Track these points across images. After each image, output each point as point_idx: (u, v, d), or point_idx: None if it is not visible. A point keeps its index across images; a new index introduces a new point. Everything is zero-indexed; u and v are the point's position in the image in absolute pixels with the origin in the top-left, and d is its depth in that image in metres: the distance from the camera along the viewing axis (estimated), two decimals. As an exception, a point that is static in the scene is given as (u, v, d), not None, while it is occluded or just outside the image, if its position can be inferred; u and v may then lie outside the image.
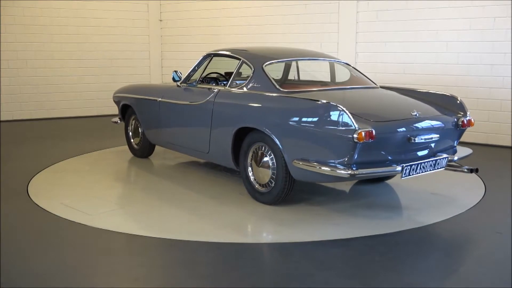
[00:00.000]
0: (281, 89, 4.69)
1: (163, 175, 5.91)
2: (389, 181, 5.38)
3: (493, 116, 7.49)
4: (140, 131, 6.46)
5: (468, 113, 4.81)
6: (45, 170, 5.93)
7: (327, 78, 5.51)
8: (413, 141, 4.25)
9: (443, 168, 4.50)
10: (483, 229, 4.21)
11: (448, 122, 4.62)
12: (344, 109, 3.99)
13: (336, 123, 4.01)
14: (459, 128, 4.71)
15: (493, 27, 7.33)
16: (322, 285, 3.17)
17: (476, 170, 4.59)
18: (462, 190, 5.20)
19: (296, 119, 4.32)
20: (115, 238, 3.97)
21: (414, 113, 4.40)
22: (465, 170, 4.60)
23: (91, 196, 4.98)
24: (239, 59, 5.19)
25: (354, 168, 4.00)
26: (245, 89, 4.94)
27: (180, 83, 5.77)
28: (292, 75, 5.79)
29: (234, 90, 5.05)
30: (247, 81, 4.97)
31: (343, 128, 3.96)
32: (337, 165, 4.04)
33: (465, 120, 4.71)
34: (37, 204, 4.68)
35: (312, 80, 5.73)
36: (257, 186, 4.73)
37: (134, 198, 5.02)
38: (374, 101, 4.86)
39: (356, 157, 4.02)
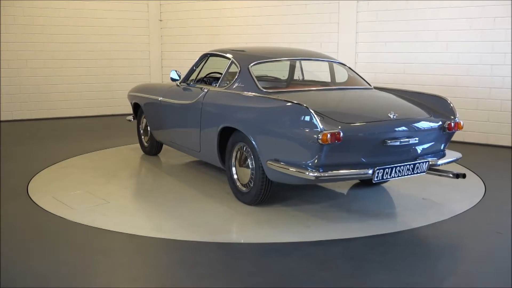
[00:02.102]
0: (263, 90, 4.69)
1: (162, 172, 5.93)
2: (385, 185, 5.33)
3: (493, 116, 7.48)
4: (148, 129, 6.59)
5: (457, 116, 4.60)
6: (45, 170, 5.92)
7: (328, 78, 5.50)
8: (388, 143, 4.10)
9: (424, 173, 4.33)
10: (483, 229, 4.21)
11: (430, 125, 4.43)
12: (310, 110, 3.94)
13: (302, 124, 3.97)
14: (446, 132, 4.49)
15: (493, 27, 7.33)
16: (322, 285, 3.17)
17: (463, 176, 4.37)
18: (462, 190, 5.19)
19: (268, 119, 4.34)
20: (115, 238, 3.97)
21: (391, 115, 4.26)
22: (450, 175, 4.41)
23: (85, 192, 5.04)
24: (229, 59, 5.23)
25: (321, 170, 3.92)
26: (230, 89, 4.97)
27: (180, 83, 5.85)
28: (297, 75, 5.80)
29: (221, 90, 5.10)
30: (233, 81, 5.01)
31: (309, 129, 3.90)
32: (305, 166, 3.97)
33: (452, 123, 4.49)
34: (37, 204, 4.69)
35: (314, 80, 5.71)
36: (239, 185, 4.74)
37: (120, 194, 5.07)
38: (355, 102, 4.78)
39: (324, 159, 3.93)
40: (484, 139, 7.60)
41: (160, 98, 6.01)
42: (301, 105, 4.03)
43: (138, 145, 7.02)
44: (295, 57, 5.58)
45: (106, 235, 4.00)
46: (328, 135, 3.80)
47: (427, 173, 4.41)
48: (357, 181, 5.30)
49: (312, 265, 3.45)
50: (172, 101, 5.78)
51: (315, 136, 3.82)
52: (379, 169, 4.03)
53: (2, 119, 9.61)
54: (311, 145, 3.89)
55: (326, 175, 3.92)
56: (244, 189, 4.68)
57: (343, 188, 5.23)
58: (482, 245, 3.87)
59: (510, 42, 7.19)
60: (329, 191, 5.14)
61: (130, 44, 10.76)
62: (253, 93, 4.69)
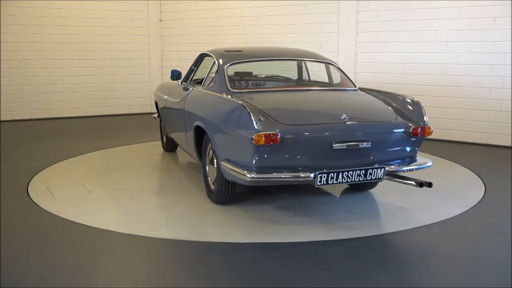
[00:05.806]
0: (231, 90, 4.67)
1: (168, 168, 6.03)
2: (377, 189, 5.27)
3: (493, 116, 7.48)
4: None
5: (426, 121, 4.34)
6: (46, 169, 5.93)
7: (326, 79, 5.48)
8: (335, 147, 3.96)
9: (381, 179, 4.15)
10: (483, 229, 4.21)
11: (389, 129, 4.22)
12: (249, 110, 3.92)
13: (242, 124, 3.97)
14: (411, 137, 4.24)
15: (493, 27, 7.33)
16: (322, 285, 3.17)
17: (429, 185, 4.07)
18: (463, 190, 5.19)
19: (220, 118, 4.37)
20: (115, 238, 3.97)
21: (343, 117, 4.06)
22: (413, 183, 4.13)
23: (78, 183, 5.19)
24: (213, 59, 5.26)
25: (258, 172, 3.86)
26: (207, 88, 5.00)
27: (181, 82, 5.92)
28: (304, 76, 5.79)
29: (200, 89, 5.16)
30: (210, 80, 5.04)
31: (245, 129, 3.89)
32: (246, 168, 3.92)
33: (418, 129, 4.23)
34: (37, 204, 4.69)
35: (316, 81, 5.66)
36: (210, 183, 4.75)
37: (109, 187, 5.16)
38: (314, 104, 4.65)
39: (262, 160, 3.87)
40: (484, 139, 7.60)
41: (165, 97, 6.16)
42: (241, 105, 4.03)
43: (150, 143, 7.33)
44: (282, 57, 5.55)
45: (106, 235, 4.00)
46: (262, 136, 3.75)
47: (388, 179, 4.26)
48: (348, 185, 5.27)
49: (312, 265, 3.45)
50: (170, 99, 5.93)
51: (249, 136, 3.80)
52: (321, 174, 3.89)
53: (2, 119, 9.60)
54: (248, 146, 3.86)
55: (262, 177, 3.87)
56: (213, 187, 4.69)
57: (337, 192, 5.22)
58: (482, 245, 3.87)
59: (510, 42, 7.19)
60: (330, 195, 5.14)
61: (130, 44, 10.75)
62: (219, 93, 4.69)
